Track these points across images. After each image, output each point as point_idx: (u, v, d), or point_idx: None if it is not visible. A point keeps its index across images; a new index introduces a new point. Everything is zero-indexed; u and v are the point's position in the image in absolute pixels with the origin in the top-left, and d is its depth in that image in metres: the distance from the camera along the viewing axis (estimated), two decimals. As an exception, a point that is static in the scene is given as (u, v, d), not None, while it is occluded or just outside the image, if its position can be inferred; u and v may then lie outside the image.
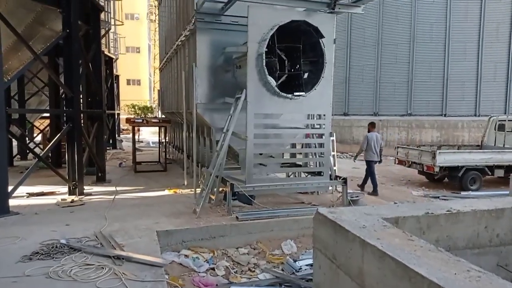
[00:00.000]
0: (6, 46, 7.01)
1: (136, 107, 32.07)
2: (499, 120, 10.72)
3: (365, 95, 17.16)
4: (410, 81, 16.01)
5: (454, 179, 9.27)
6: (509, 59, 15.65)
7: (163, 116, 14.99)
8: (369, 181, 8.59)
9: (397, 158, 10.47)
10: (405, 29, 15.95)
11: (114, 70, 18.83)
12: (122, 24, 19.38)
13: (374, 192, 8.30)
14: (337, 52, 16.67)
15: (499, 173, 9.41)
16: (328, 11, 6.41)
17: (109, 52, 17.30)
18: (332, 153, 8.01)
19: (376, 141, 8.50)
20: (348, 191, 6.81)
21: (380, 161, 8.73)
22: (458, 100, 15.70)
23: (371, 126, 8.87)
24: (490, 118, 11.04)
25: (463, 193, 8.73)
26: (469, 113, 15.69)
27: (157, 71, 28.11)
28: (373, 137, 8.54)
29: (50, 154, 9.95)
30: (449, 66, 15.54)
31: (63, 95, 9.79)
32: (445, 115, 15.70)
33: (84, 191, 7.40)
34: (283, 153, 7.66)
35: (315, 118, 6.78)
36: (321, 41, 6.21)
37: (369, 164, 8.56)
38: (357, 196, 6.82)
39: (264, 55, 5.95)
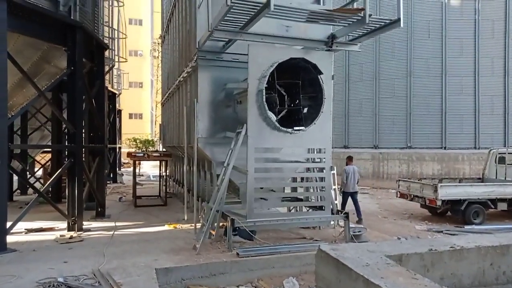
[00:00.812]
0: (12, 83, 7.17)
1: (138, 141, 32.22)
2: (499, 153, 10.74)
3: (364, 128, 17.30)
4: (409, 114, 16.19)
5: (457, 213, 9.17)
6: (505, 93, 15.90)
7: (164, 149, 15.06)
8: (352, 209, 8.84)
9: (399, 192, 10.40)
10: (401, 64, 16.32)
11: (117, 105, 19.11)
12: (125, 61, 19.87)
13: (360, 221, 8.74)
14: (336, 86, 16.96)
15: (502, 206, 9.31)
16: (325, 49, 6.59)
17: (112, 87, 17.63)
18: (333, 186, 7.99)
19: (353, 174, 9.14)
20: (350, 225, 6.73)
21: (356, 192, 9.31)
22: (457, 133, 15.80)
23: (349, 159, 9.64)
24: (490, 151, 11.06)
25: (466, 227, 8.61)
26: (469, 145, 15.73)
27: (159, 105, 28.49)
28: (351, 169, 9.19)
29: (50, 188, 9.91)
30: (447, 100, 15.76)
31: (66, 130, 9.88)
32: (445, 148, 15.75)
33: (83, 226, 7.32)
34: (284, 187, 7.64)
35: (315, 152, 6.82)
36: (319, 77, 6.35)
37: (352, 195, 9.18)
38: (360, 231, 6.73)
39: (264, 91, 6.07)
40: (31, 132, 12.18)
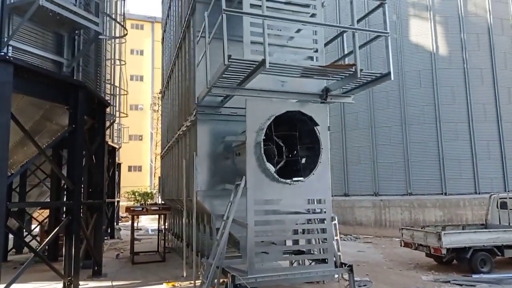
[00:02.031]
0: (14, 141, 7.28)
1: (136, 194, 32.00)
2: (500, 198, 10.68)
3: (363, 176, 17.31)
4: (407, 161, 16.28)
5: (463, 261, 8.92)
6: (500, 137, 16.13)
7: (163, 202, 14.92)
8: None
9: (403, 240, 10.19)
10: (396, 112, 16.69)
11: (117, 159, 19.21)
12: (126, 116, 20.29)
13: None
14: (332, 134, 17.22)
15: (510, 253, 9.09)
16: (320, 101, 6.79)
17: (112, 142, 17.83)
18: (336, 237, 7.84)
19: None
20: (355, 278, 6.53)
21: None
22: (456, 178, 15.80)
23: None
24: (491, 196, 11.01)
25: (474, 276, 8.35)
26: (469, 191, 15.67)
27: (158, 157, 28.65)
28: None
29: (47, 247, 9.69)
30: (443, 146, 15.93)
31: (65, 186, 9.86)
32: (445, 194, 15.67)
33: (80, 287, 7.07)
34: (285, 240, 7.50)
35: (315, 203, 6.78)
36: (316, 129, 6.48)
37: None
38: (365, 285, 6.52)
39: (262, 143, 6.16)
40: (30, 189, 12.13)
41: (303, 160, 6.88)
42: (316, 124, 6.44)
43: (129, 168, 42.84)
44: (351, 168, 17.84)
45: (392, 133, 16.73)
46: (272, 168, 6.36)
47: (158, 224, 12.55)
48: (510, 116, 16.38)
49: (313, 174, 6.42)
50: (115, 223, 18.82)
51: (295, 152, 6.99)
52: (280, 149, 6.99)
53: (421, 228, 10.10)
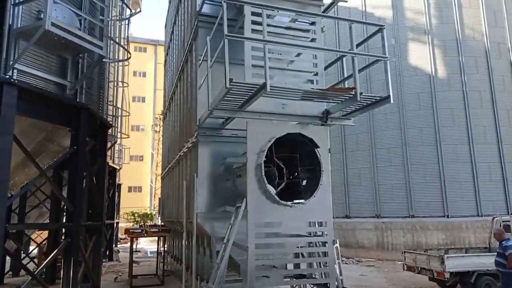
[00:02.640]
0: (15, 163, 7.29)
1: (136, 215, 31.76)
2: (503, 221, 10.59)
3: (365, 198, 17.22)
4: (408, 182, 16.23)
5: (467, 286, 8.77)
6: (501, 159, 16.12)
7: (163, 224, 14.79)
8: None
9: (406, 264, 10.04)
10: (396, 134, 16.75)
11: (117, 180, 19.17)
12: (127, 137, 20.37)
13: None
14: (333, 156, 17.24)
15: (514, 277, 8.92)
16: (321, 123, 6.83)
17: (113, 163, 17.84)
18: (337, 261, 7.74)
19: None
20: (357, 303, 6.40)
21: None
22: (458, 200, 15.71)
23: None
24: (494, 219, 10.92)
25: (479, 301, 8.19)
26: (471, 213, 15.56)
27: (159, 178, 28.56)
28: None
29: (44, 269, 9.55)
30: (444, 167, 15.91)
31: (64, 208, 9.81)
32: (447, 216, 15.54)
33: (76, 311, 6.94)
34: (286, 264, 7.40)
35: (316, 226, 6.72)
36: (316, 151, 6.49)
37: None
38: (367, 310, 6.39)
39: (262, 165, 6.16)
40: (30, 210, 12.06)
41: (304, 182, 6.87)
42: (317, 146, 6.46)
43: (129, 189, 42.67)
44: (352, 190, 17.76)
45: (392, 155, 16.74)
46: (273, 190, 6.35)
47: (157, 246, 12.41)
48: (510, 138, 16.43)
49: (314, 196, 6.39)
50: (114, 245, 18.61)
51: (296, 174, 6.99)
52: (281, 171, 6.98)
53: (424, 252, 9.98)
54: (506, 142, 16.25)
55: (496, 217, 11.02)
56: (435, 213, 15.68)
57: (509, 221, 10.40)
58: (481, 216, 15.21)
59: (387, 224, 16.12)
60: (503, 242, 7.51)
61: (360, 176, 17.52)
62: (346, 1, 7.29)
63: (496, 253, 7.66)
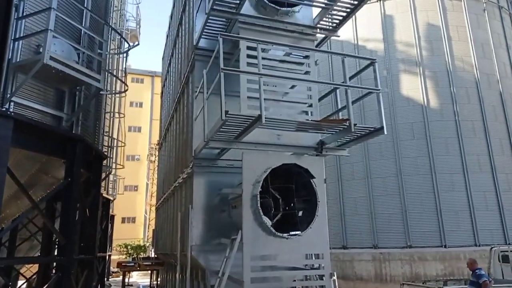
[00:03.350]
0: (8, 195, 7.19)
1: (129, 247, 31.09)
2: (501, 251, 10.50)
3: (362, 228, 17.05)
4: (404, 212, 16.15)
5: (468, 319, 8.57)
6: (496, 188, 16.15)
7: (156, 256, 14.48)
8: None
9: (404, 297, 9.84)
10: (391, 163, 16.82)
11: (110, 211, 18.89)
12: (122, 168, 20.28)
13: None
14: (329, 185, 17.20)
15: (516, 310, 8.77)
16: (316, 154, 6.88)
17: (107, 194, 17.64)
18: (335, 295, 7.55)
19: None
20: None
21: None
22: (455, 230, 15.60)
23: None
24: (492, 249, 10.83)
25: (482, 336, 7.97)
26: (469, 243, 15.41)
27: (153, 209, 28.20)
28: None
29: (32, 305, 9.23)
30: (440, 197, 15.89)
31: (56, 241, 9.59)
32: (445, 246, 15.37)
33: None
34: (282, 298, 7.22)
35: (313, 258, 6.62)
36: (312, 181, 6.49)
37: None
38: None
39: (258, 196, 6.14)
40: (20, 243, 11.77)
41: (300, 213, 6.83)
42: (312, 177, 6.46)
43: (123, 220, 41.98)
44: (349, 220, 17.60)
45: (388, 184, 16.74)
46: (268, 222, 6.29)
47: (150, 280, 12.11)
48: (504, 167, 16.55)
49: (311, 227, 6.34)
50: (105, 279, 18.09)
51: (292, 204, 6.95)
52: (276, 202, 6.95)
53: (422, 283, 9.81)
54: (500, 171, 16.35)
55: (494, 247, 10.94)
56: (432, 243, 15.52)
57: (507, 251, 10.32)
58: (479, 246, 15.06)
59: (385, 254, 15.88)
60: (476, 271, 8.08)
61: (356, 206, 17.42)
62: (339, 36, 7.52)
63: (469, 282, 7.98)
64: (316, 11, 7.32)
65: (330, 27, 7.38)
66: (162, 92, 17.34)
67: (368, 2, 6.74)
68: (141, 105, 48.95)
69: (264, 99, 5.47)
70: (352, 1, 6.60)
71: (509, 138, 17.20)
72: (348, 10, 6.83)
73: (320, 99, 7.16)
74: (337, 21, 7.22)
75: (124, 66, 18.08)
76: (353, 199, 17.65)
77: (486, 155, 16.53)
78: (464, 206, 15.82)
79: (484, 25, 18.57)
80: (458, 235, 15.53)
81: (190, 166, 7.67)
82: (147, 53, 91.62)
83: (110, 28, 9.37)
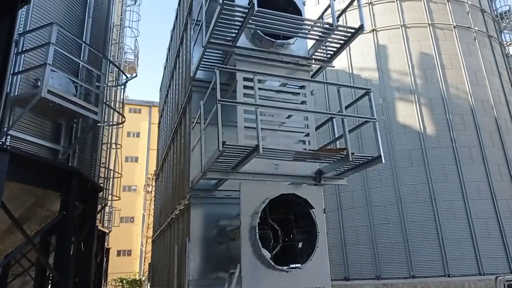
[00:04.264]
0: (1, 230, 7.06)
1: (124, 281, 30.29)
2: (506, 281, 10.26)
3: (363, 257, 16.70)
4: (406, 241, 15.88)
5: None
6: (497, 215, 15.99)
7: (153, 291, 14.06)
8: None
9: (410, 330, 9.50)
10: (390, 191, 16.70)
11: (106, 244, 18.52)
12: (119, 199, 20.06)
13: None
14: (329, 214, 17.00)
15: None
16: (314, 183, 6.82)
17: (102, 226, 17.35)
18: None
19: None
20: None
21: None
22: (458, 258, 15.30)
23: None
24: (497, 278, 10.59)
25: None
26: (473, 272, 15.07)
27: (149, 241, 27.65)
28: None
29: None
30: (441, 225, 15.68)
31: (50, 276, 9.32)
32: (448, 276, 15.01)
33: None
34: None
35: (314, 291, 6.42)
36: (311, 212, 6.40)
37: None
38: None
39: (257, 228, 6.03)
40: (12, 279, 11.45)
41: (300, 245, 6.69)
42: (311, 207, 6.38)
43: (118, 253, 41.10)
44: (350, 250, 17.26)
45: (388, 213, 16.54)
46: (268, 255, 6.14)
47: (147, 316, 11.69)
48: (504, 193, 16.44)
49: (311, 260, 6.20)
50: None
51: (292, 236, 6.82)
52: (275, 233, 6.82)
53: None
54: (500, 197, 16.22)
55: (499, 276, 10.70)
56: (436, 272, 15.15)
57: (513, 280, 10.10)
58: (483, 274, 14.70)
59: (388, 286, 15.47)
60: None
61: (357, 235, 17.13)
62: (334, 67, 7.64)
63: None
64: (310, 42, 7.47)
65: (325, 58, 7.50)
66: (159, 123, 17.41)
67: (361, 33, 6.88)
68: (138, 135, 49.08)
69: (261, 128, 5.47)
70: (345, 34, 6.75)
71: (507, 164, 17.19)
72: (342, 42, 6.98)
73: (317, 128, 7.18)
74: (331, 52, 7.35)
75: (121, 97, 18.24)
76: (354, 228, 17.40)
77: (485, 181, 16.46)
78: (466, 233, 15.59)
79: (475, 53, 18.98)
80: (462, 263, 15.21)
81: (187, 197, 7.58)
82: (145, 83, 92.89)
83: (108, 61, 9.51)
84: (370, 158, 6.02)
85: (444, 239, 15.45)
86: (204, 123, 6.40)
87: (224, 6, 6.01)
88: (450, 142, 16.87)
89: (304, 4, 7.63)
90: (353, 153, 5.70)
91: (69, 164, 7.16)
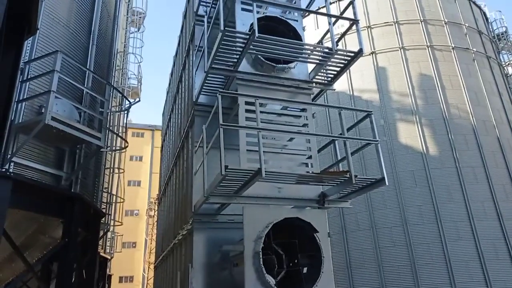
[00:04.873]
0: (2, 258, 6.98)
1: (126, 309, 29.65)
2: (517, 304, 9.97)
3: (370, 281, 16.34)
4: (413, 263, 15.57)
5: None
6: (505, 236, 15.72)
7: (155, 319, 13.74)
8: None
9: None
10: (395, 212, 16.51)
11: (108, 270, 18.23)
12: (121, 224, 19.90)
13: None
14: (334, 236, 16.76)
15: None
16: (318, 207, 6.77)
17: (104, 252, 17.13)
18: None
19: None
20: None
21: None
22: (467, 281, 14.95)
23: None
24: (508, 302, 10.29)
25: None
26: (483, 295, 14.70)
27: (152, 267, 27.23)
28: None
29: None
30: (448, 245, 15.41)
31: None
32: (458, 299, 14.64)
33: None
34: None
35: (320, 318, 6.26)
36: (316, 236, 6.32)
37: None
38: None
39: (260, 253, 5.95)
40: (12, 308, 11.21)
41: (305, 269, 6.56)
42: (316, 231, 6.30)
43: (120, 279, 40.45)
44: (356, 273, 16.92)
45: (394, 235, 16.29)
46: (272, 281, 6.03)
47: None
48: (510, 213, 16.21)
49: (316, 286, 6.07)
50: None
51: (296, 260, 6.70)
52: (280, 258, 6.71)
53: None
54: (506, 217, 15.99)
55: (510, 299, 10.42)
56: (445, 296, 14.81)
57: (524, 304, 9.81)
58: (494, 298, 14.36)
59: (395, 310, 15.08)
60: None
61: (363, 258, 16.82)
62: (334, 89, 7.71)
63: None
64: (311, 66, 7.57)
65: (326, 81, 7.59)
66: (162, 146, 17.47)
67: (361, 56, 6.98)
68: (141, 159, 49.14)
69: (264, 151, 5.48)
70: (345, 58, 6.84)
71: (512, 184, 17.04)
72: (342, 65, 7.07)
73: (319, 150, 7.17)
74: (332, 76, 7.43)
75: (125, 122, 18.37)
76: (359, 251, 17.11)
77: (491, 201, 16.28)
78: (473, 255, 15.29)
79: (475, 74, 19.15)
80: (470, 286, 14.85)
81: (190, 222, 7.51)
82: (147, 107, 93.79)
83: (112, 87, 9.64)
84: (373, 180, 5.99)
85: (451, 261, 15.14)
86: (207, 147, 6.42)
87: (226, 33, 6.13)
88: (454, 162, 16.79)
89: (304, 29, 7.78)
90: (356, 176, 5.68)
91: (72, 190, 7.15)
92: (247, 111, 6.22)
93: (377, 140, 6.01)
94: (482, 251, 15.26)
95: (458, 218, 15.82)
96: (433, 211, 16.00)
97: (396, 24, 19.59)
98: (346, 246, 17.50)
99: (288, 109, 7.31)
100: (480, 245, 15.33)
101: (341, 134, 6.29)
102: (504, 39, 25.02)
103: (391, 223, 16.46)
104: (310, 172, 6.37)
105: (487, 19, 23.15)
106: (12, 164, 5.86)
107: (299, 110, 7.24)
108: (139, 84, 23.53)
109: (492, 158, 17.21)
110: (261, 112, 5.96)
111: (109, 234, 19.08)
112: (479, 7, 22.46)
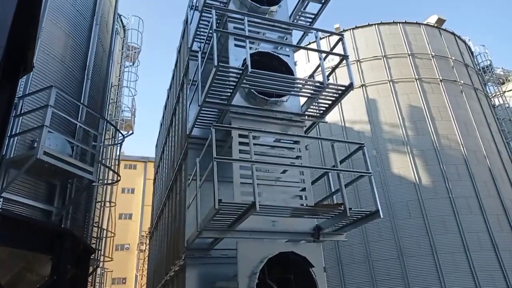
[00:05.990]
0: (-14, 298, 6.70)
1: None
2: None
3: (368, 318, 15.91)
4: (410, 296, 15.25)
5: None
6: (502, 267, 15.56)
7: None
8: None
9: None
10: (391, 243, 16.33)
11: (96, 308, 17.55)
12: (111, 260, 19.36)
13: None
14: (329, 269, 16.42)
15: None
16: (313, 240, 6.68)
17: (93, 288, 16.55)
18: None
19: None
20: None
21: None
22: (466, 314, 14.63)
23: None
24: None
25: None
26: (483, 329, 14.34)
27: (143, 304, 26.21)
28: None
29: None
30: (445, 278, 15.18)
31: None
32: (458, 334, 14.25)
33: None
34: None
35: None
36: (311, 271, 6.20)
37: None
38: None
39: (255, 289, 5.79)
40: None
41: (301, 306, 6.38)
42: (311, 266, 6.19)
43: (110, 317, 38.81)
44: (353, 308, 16.49)
45: (390, 267, 16.04)
46: (267, 318, 5.85)
47: None
48: (506, 244, 16.12)
49: (313, 323, 5.90)
50: None
51: (291, 296, 6.53)
52: (275, 294, 6.53)
53: None
54: (502, 248, 15.87)
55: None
56: (444, 331, 14.41)
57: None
58: (494, 332, 14.02)
59: None
60: None
61: (359, 292, 16.47)
62: (326, 122, 7.82)
63: None
64: (303, 99, 7.69)
65: (318, 114, 7.69)
66: (155, 179, 17.32)
67: (351, 90, 7.12)
68: (133, 191, 48.50)
69: (257, 184, 5.45)
70: (336, 92, 6.98)
71: (506, 214, 17.04)
72: (333, 98, 7.20)
73: (313, 182, 7.16)
74: (323, 108, 7.55)
75: (117, 155, 18.27)
76: (355, 284, 16.75)
77: (485, 232, 16.22)
78: (471, 287, 15.05)
79: (463, 105, 19.58)
80: (470, 320, 14.52)
81: (182, 258, 7.34)
82: (141, 139, 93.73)
83: (105, 121, 9.66)
84: (368, 213, 5.96)
85: (449, 294, 14.87)
86: (200, 180, 6.38)
87: (220, 68, 6.25)
88: (447, 192, 16.82)
89: (295, 64, 7.97)
90: (351, 208, 5.65)
91: (62, 226, 6.99)
92: (240, 143, 6.25)
93: (370, 173, 6.03)
94: (480, 284, 15.01)
95: (454, 249, 15.66)
96: (428, 242, 15.85)
97: (384, 58, 20.18)
98: (342, 280, 17.12)
99: (281, 141, 7.36)
100: (477, 277, 15.11)
101: (334, 166, 6.32)
102: (489, 71, 25.82)
103: (387, 255, 16.22)
104: (305, 204, 6.33)
105: (472, 53, 23.98)
106: (1, 199, 5.75)
107: (292, 142, 7.29)
108: (133, 116, 23.60)
109: (484, 188, 17.30)
110: (254, 144, 5.99)
111: (98, 270, 18.50)
112: (464, 42, 23.30)
